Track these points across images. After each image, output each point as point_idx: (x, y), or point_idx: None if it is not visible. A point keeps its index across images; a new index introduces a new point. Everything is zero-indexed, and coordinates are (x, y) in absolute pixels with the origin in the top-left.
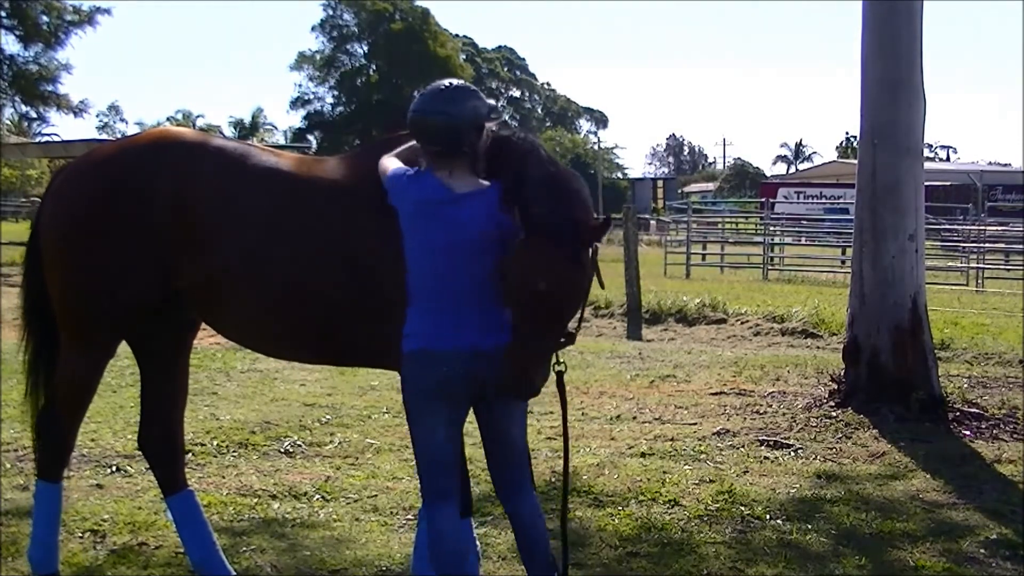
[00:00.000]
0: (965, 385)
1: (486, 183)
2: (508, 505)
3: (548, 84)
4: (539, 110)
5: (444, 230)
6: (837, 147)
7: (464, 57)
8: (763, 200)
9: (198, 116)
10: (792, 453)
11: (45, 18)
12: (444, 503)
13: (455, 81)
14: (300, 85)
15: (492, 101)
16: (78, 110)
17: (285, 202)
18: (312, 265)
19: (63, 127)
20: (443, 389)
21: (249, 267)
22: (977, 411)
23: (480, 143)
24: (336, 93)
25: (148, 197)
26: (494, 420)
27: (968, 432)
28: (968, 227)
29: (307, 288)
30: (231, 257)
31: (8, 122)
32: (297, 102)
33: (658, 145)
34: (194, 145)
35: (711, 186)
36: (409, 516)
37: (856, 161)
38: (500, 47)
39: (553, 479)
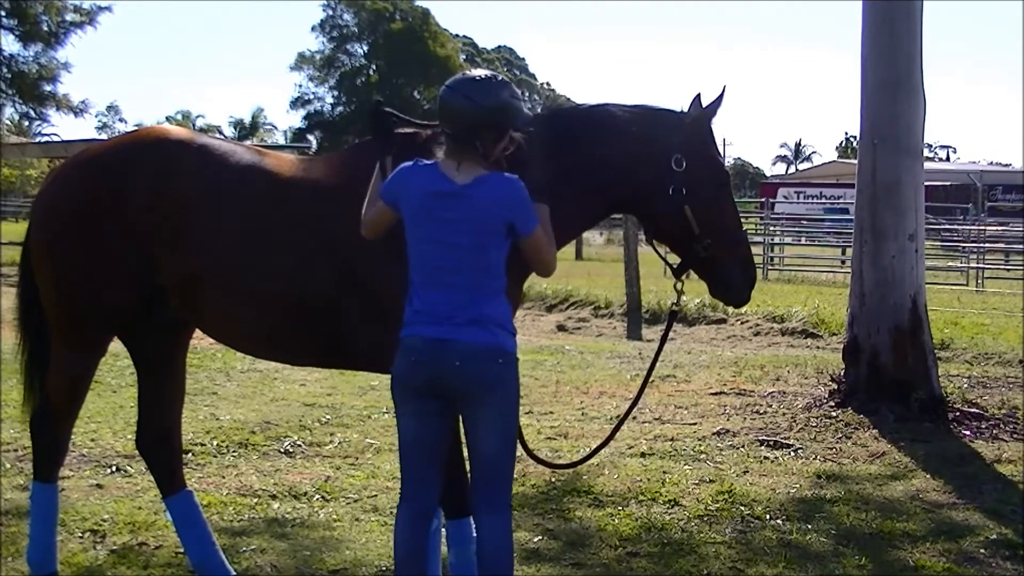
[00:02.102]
0: (965, 385)
1: (494, 174)
2: (475, 521)
3: (548, 84)
4: (539, 110)
5: (444, 221)
6: (837, 147)
7: (464, 57)
8: (763, 200)
9: (198, 116)
10: (792, 453)
11: (45, 18)
12: (405, 503)
13: (496, 75)
14: (300, 85)
15: (528, 113)
16: (78, 110)
17: (268, 200)
18: (297, 264)
19: (63, 127)
20: (409, 377)
21: (233, 266)
22: (977, 411)
23: (496, 146)
24: (336, 93)
25: (130, 195)
26: (465, 425)
27: (968, 432)
28: (968, 227)
29: (293, 287)
30: (215, 255)
31: (8, 122)
32: (297, 102)
33: None
34: (177, 143)
35: None
36: None
37: (856, 161)
38: (500, 47)
39: (553, 479)
